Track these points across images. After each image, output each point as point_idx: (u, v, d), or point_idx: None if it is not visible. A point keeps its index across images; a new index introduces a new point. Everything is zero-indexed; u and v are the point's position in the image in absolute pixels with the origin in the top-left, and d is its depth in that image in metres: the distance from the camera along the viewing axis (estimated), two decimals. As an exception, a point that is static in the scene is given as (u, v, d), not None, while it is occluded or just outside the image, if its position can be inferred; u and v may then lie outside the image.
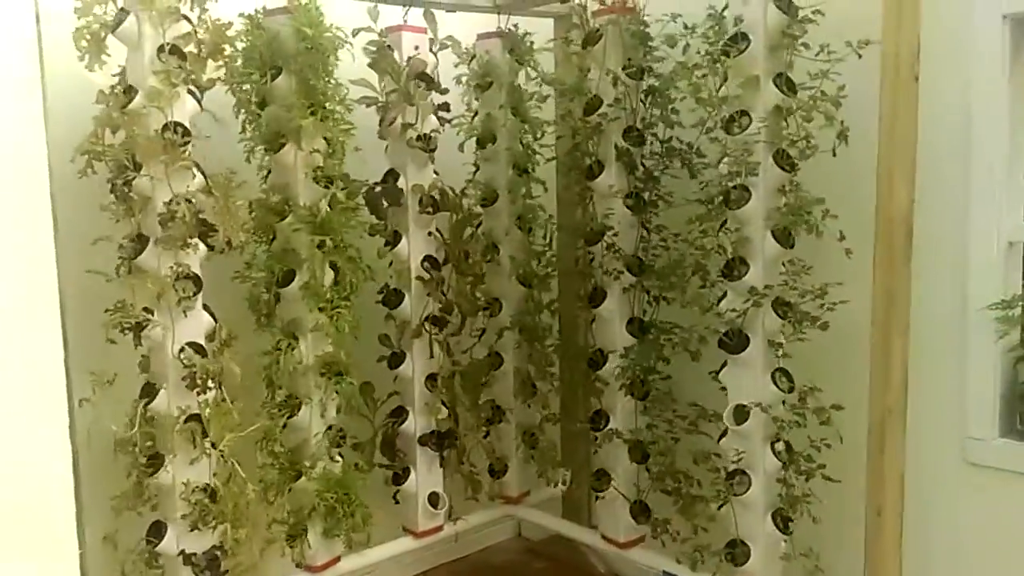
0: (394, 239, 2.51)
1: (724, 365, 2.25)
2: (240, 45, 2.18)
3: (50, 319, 1.27)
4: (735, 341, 2.19)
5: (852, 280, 2.12)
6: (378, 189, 2.48)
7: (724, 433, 2.24)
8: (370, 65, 2.41)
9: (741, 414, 2.19)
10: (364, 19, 2.39)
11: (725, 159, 2.17)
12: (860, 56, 1.99)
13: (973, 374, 2.12)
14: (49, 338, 1.27)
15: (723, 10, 2.17)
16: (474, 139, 2.72)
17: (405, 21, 2.45)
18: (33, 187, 1.25)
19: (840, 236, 2.07)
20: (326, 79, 2.28)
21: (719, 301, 2.22)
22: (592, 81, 2.44)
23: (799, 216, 2.10)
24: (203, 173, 2.08)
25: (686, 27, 2.29)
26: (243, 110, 2.22)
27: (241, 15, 2.20)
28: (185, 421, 2.05)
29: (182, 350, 2.04)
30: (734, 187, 2.16)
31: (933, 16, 2.01)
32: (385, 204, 2.48)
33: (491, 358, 2.79)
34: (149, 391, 2.06)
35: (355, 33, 2.37)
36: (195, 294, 2.06)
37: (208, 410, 2.08)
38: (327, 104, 2.28)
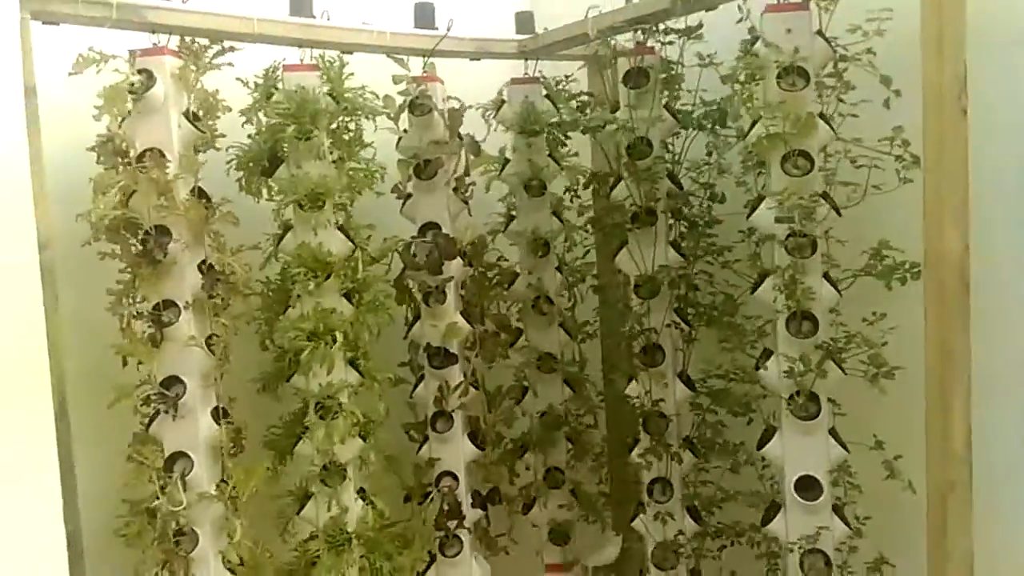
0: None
1: (769, 433, 2.06)
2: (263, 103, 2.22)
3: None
4: (806, 405, 2.02)
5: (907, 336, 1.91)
6: (427, 240, 2.41)
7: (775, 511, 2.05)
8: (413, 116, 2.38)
9: (814, 487, 2.01)
10: (378, 72, 2.36)
11: (767, 204, 2.01)
12: (898, 94, 1.81)
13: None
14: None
15: (753, 43, 2.02)
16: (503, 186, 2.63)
17: (424, 72, 2.41)
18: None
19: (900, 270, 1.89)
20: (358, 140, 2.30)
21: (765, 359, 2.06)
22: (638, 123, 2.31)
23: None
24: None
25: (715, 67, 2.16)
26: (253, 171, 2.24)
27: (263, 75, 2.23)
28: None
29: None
30: (790, 235, 1.99)
31: (981, 40, 1.80)
32: (439, 258, 2.40)
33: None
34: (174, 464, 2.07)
35: (396, 81, 2.36)
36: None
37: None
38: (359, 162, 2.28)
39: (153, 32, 2.06)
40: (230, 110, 2.19)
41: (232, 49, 2.16)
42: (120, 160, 2.00)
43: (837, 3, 1.94)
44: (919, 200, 1.81)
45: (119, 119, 1.99)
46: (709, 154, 2.28)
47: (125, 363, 2.03)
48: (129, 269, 2.04)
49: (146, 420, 2.07)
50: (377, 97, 2.31)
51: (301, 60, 2.27)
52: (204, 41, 2.13)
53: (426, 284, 2.41)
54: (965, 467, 1.83)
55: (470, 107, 2.47)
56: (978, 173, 1.78)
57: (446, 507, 2.43)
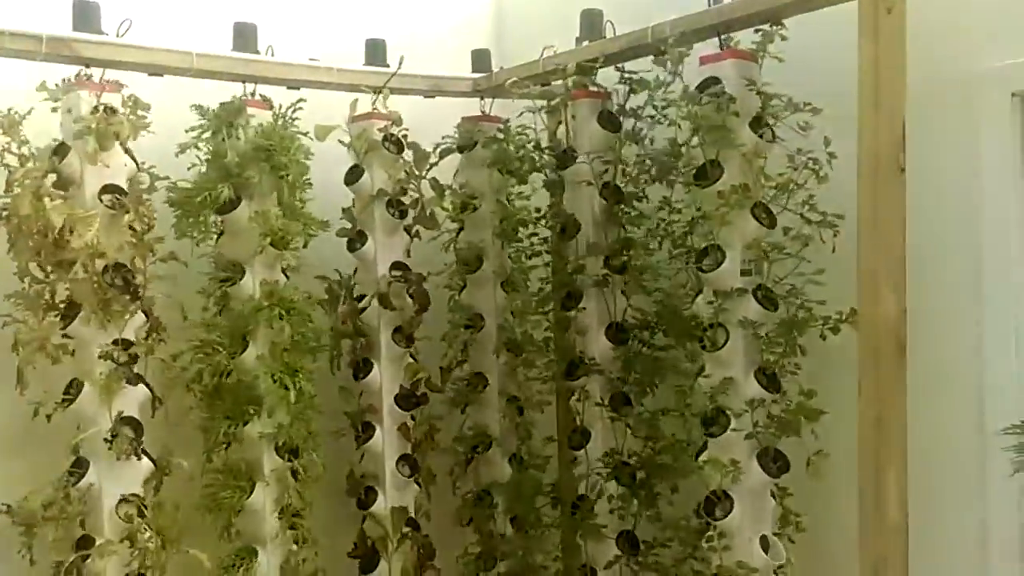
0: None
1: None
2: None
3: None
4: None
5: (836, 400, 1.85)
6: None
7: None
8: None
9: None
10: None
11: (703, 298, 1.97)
12: (830, 161, 1.77)
13: (994, 511, 1.79)
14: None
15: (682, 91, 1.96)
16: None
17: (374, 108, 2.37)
18: None
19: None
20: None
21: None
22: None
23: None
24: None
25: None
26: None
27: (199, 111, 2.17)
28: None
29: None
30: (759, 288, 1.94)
31: (920, 96, 1.74)
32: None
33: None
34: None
35: (349, 120, 2.36)
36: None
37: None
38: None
39: (87, 67, 2.02)
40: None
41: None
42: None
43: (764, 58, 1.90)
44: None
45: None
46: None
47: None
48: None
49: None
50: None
51: (245, 96, 2.22)
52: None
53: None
54: (901, 538, 1.76)
55: (435, 147, 2.45)
56: (916, 234, 1.72)
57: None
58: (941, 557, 1.88)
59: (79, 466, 1.97)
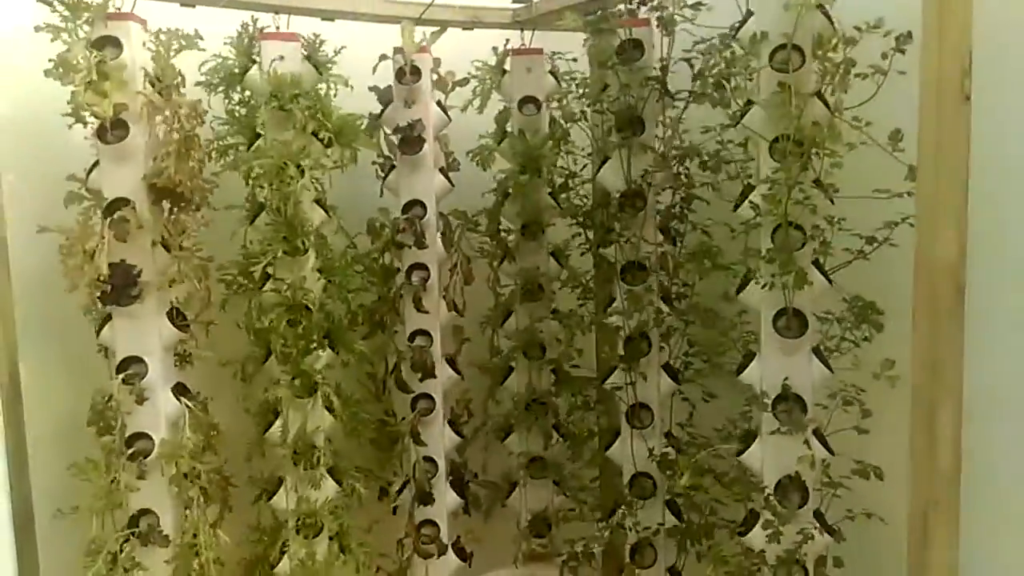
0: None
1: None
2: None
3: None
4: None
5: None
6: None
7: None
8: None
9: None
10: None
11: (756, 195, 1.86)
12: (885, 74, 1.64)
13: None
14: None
15: (745, 20, 1.86)
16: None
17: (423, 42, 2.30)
18: None
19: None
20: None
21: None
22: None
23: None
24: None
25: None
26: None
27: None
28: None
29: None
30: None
31: (990, 18, 1.62)
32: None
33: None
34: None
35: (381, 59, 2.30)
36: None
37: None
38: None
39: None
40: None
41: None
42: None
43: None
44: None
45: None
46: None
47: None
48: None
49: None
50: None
51: (277, 28, 2.16)
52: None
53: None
54: (952, 486, 1.69)
55: (466, 77, 2.37)
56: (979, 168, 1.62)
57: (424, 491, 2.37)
58: (993, 505, 1.81)
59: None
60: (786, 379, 1.85)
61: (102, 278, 1.84)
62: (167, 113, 1.89)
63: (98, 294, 1.86)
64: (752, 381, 1.90)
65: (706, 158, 2.05)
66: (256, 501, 2.16)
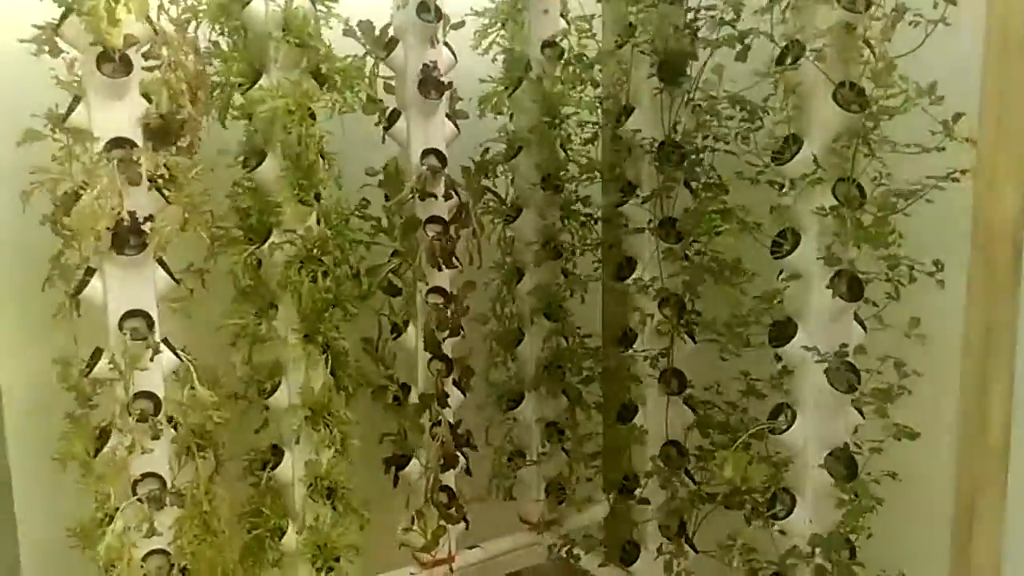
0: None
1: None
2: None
3: None
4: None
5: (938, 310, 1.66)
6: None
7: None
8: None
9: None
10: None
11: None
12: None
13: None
14: None
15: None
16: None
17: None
18: None
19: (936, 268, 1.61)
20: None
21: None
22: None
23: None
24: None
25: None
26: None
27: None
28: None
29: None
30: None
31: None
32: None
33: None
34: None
35: None
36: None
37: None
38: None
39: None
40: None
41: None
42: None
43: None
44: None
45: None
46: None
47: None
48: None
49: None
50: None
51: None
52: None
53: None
54: (1000, 461, 1.60)
55: (463, 20, 2.19)
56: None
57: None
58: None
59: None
60: (844, 345, 1.72)
61: (111, 227, 1.72)
62: (178, 46, 1.75)
63: (103, 244, 1.72)
64: (795, 349, 1.76)
65: (746, 109, 1.90)
66: (261, 469, 2.06)
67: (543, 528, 2.46)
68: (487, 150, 2.31)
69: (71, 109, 1.69)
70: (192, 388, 1.83)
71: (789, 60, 1.66)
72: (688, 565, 2.13)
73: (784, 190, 1.72)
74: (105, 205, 1.65)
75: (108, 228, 1.68)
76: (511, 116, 2.34)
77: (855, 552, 1.75)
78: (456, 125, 2.21)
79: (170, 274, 1.83)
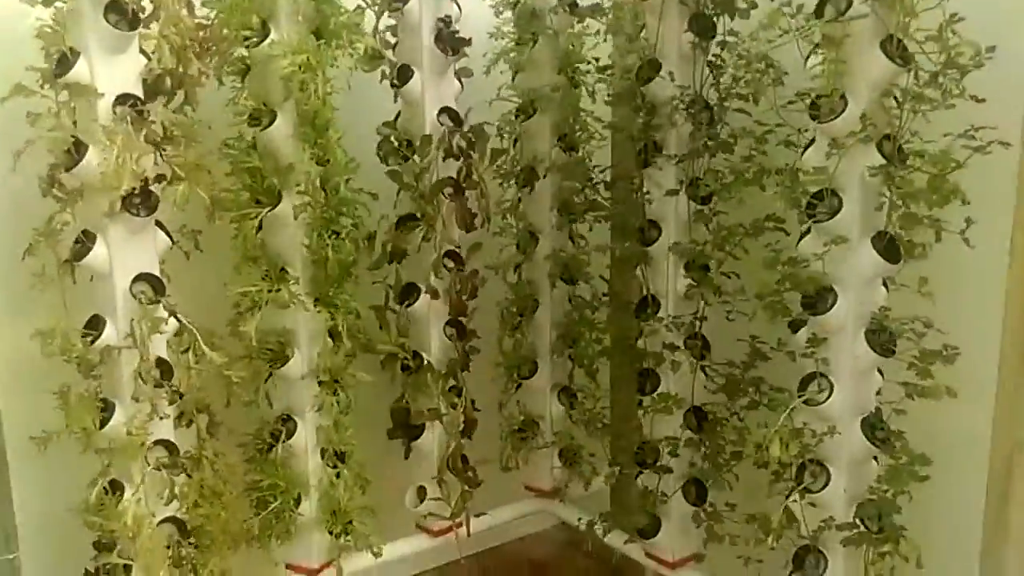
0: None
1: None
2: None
3: None
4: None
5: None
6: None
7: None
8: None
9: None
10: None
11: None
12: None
13: None
14: None
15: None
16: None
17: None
18: None
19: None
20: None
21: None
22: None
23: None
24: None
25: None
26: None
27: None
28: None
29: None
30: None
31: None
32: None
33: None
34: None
35: None
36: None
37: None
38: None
39: None
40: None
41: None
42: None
43: None
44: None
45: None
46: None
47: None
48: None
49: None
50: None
51: None
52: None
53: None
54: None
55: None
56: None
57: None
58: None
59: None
60: (884, 308, 1.64)
61: (134, 188, 1.64)
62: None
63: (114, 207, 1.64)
64: (837, 316, 1.65)
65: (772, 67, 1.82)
66: (270, 441, 2.00)
67: (560, 496, 2.43)
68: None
69: (63, 63, 1.58)
70: (197, 354, 1.77)
71: (830, 13, 1.57)
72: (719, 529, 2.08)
73: (829, 149, 1.62)
74: (126, 165, 1.58)
75: (130, 189, 1.61)
76: (514, 75, 2.25)
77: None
78: (461, 83, 2.14)
79: (169, 236, 1.77)
